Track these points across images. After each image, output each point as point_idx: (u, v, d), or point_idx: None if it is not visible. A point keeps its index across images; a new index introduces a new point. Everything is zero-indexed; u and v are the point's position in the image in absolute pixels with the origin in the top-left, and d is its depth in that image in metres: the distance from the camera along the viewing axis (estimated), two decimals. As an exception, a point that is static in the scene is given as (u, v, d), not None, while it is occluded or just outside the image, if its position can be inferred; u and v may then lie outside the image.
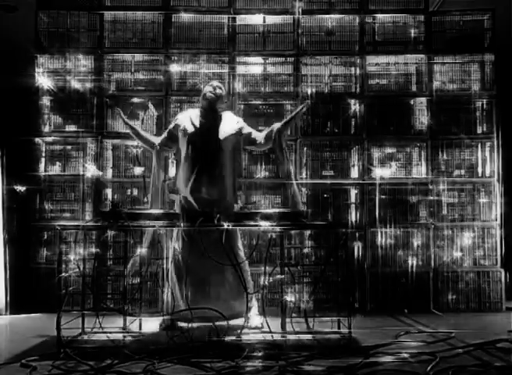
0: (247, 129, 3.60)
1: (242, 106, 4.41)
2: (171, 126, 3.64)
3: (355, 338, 3.08)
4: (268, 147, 3.64)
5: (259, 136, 3.59)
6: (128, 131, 3.75)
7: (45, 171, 4.37)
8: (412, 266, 4.28)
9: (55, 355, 2.82)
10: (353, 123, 4.46)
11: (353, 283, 4.17)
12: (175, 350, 2.88)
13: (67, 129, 4.42)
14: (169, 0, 4.46)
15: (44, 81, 4.36)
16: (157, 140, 3.64)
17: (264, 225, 3.02)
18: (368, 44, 4.50)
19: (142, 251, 3.44)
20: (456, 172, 4.45)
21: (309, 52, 4.47)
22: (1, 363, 2.70)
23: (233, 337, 3.03)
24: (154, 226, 3.13)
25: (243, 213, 3.14)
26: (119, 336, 3.02)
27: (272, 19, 4.47)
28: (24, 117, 4.46)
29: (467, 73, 4.52)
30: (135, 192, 4.34)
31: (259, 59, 4.48)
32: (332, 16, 4.48)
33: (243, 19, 4.46)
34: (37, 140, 4.37)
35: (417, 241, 4.32)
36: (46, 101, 4.41)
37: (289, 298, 3.29)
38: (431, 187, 4.37)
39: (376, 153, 4.44)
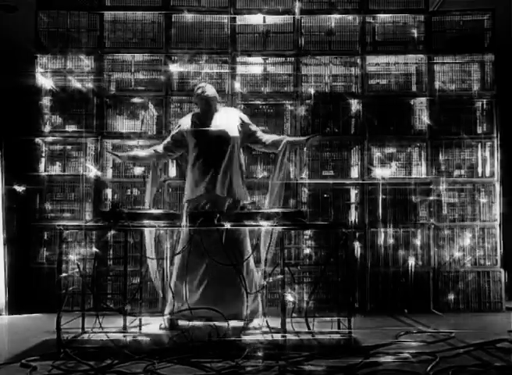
0: (252, 127, 3.59)
1: (242, 106, 4.41)
2: (174, 131, 3.62)
3: (355, 338, 3.07)
4: (269, 152, 3.67)
5: (265, 138, 3.58)
6: (129, 162, 3.78)
7: (45, 171, 4.37)
8: (412, 266, 4.28)
9: (55, 355, 2.82)
10: (353, 123, 4.46)
11: (353, 283, 4.17)
12: (175, 350, 2.88)
13: (67, 129, 4.42)
14: (169, 0, 4.46)
15: (44, 81, 4.36)
16: (159, 148, 3.62)
17: (264, 225, 3.02)
18: (369, 44, 4.51)
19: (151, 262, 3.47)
20: (457, 172, 4.45)
21: (309, 52, 4.47)
22: (1, 363, 2.70)
23: (233, 337, 3.03)
24: (154, 226, 3.13)
25: (243, 213, 3.14)
26: (119, 336, 3.02)
27: (273, 19, 4.47)
28: (24, 117, 4.46)
29: (467, 73, 4.52)
30: (135, 192, 4.34)
31: (259, 59, 4.48)
32: (333, 15, 4.48)
33: (244, 19, 4.46)
34: (37, 140, 4.37)
35: (417, 241, 4.32)
36: (46, 101, 4.41)
37: (289, 298, 3.29)
38: (431, 187, 4.37)
39: (376, 153, 4.44)
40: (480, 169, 4.44)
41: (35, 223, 4.30)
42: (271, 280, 3.35)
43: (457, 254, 4.33)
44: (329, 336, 3.05)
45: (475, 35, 4.52)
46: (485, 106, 4.49)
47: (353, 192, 4.38)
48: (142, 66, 4.50)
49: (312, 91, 4.43)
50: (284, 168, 3.53)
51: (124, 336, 3.02)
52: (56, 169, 4.41)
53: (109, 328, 3.15)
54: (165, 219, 3.09)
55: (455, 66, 4.53)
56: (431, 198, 4.36)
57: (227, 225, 3.01)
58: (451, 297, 4.28)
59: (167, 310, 3.41)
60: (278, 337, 3.00)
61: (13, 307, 4.16)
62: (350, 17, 4.50)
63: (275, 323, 3.08)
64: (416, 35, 4.53)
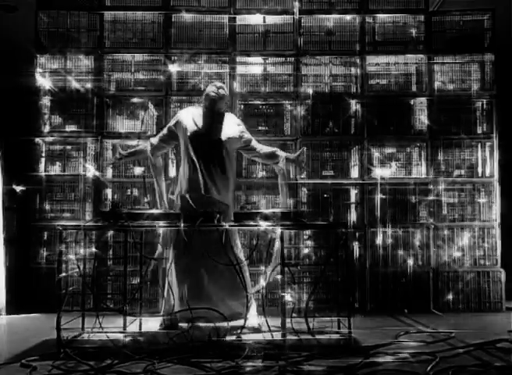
0: (247, 135, 3.60)
1: (242, 106, 4.41)
2: (171, 123, 3.59)
3: (355, 338, 3.08)
4: (262, 162, 3.73)
5: (259, 148, 3.59)
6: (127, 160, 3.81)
7: (45, 171, 4.37)
8: (412, 266, 4.28)
9: (55, 355, 2.82)
10: (353, 123, 4.46)
11: (353, 283, 4.18)
12: (175, 350, 2.88)
13: (67, 129, 4.42)
14: (169, 0, 4.46)
15: (44, 81, 4.36)
16: (154, 139, 3.61)
17: (264, 225, 3.02)
18: (368, 44, 4.51)
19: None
20: (456, 172, 4.45)
21: (309, 52, 4.47)
22: (1, 363, 2.70)
23: (233, 337, 3.03)
24: (154, 226, 3.13)
25: (243, 213, 3.14)
26: (119, 336, 3.02)
27: (272, 19, 4.47)
28: (24, 117, 4.46)
29: (467, 73, 4.52)
30: (135, 192, 4.34)
31: (259, 59, 4.49)
32: (332, 16, 4.48)
33: (243, 19, 4.46)
34: (37, 140, 4.37)
35: (417, 241, 4.32)
36: (46, 101, 4.41)
37: (289, 298, 3.29)
38: (431, 187, 4.37)
39: (376, 153, 4.44)
40: (480, 169, 4.44)
41: (35, 223, 4.30)
42: (271, 280, 3.34)
43: (457, 254, 4.33)
44: (329, 336, 3.05)
45: (475, 35, 4.52)
46: (484, 106, 4.49)
47: (353, 192, 4.38)
48: (142, 66, 4.50)
49: (312, 91, 4.43)
50: (287, 188, 3.57)
51: (124, 336, 3.02)
52: (56, 169, 4.41)
53: (109, 328, 3.15)
54: (165, 219, 3.09)
55: (455, 65, 4.53)
56: (430, 198, 4.36)
57: (227, 225, 3.01)
58: (451, 297, 4.28)
59: (167, 310, 3.41)
60: (278, 337, 3.00)
61: (13, 307, 4.16)
62: (349, 17, 4.50)
63: (275, 323, 3.08)
64: (416, 35, 4.53)
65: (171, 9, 4.46)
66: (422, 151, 4.44)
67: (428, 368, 2.56)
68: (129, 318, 3.18)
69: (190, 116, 3.53)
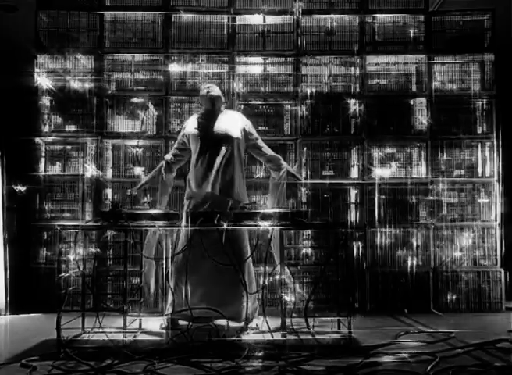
0: (254, 134, 3.64)
1: (242, 106, 4.41)
2: (180, 135, 3.66)
3: (355, 338, 3.08)
4: (264, 163, 3.75)
5: (264, 148, 3.64)
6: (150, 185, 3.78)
7: (45, 171, 4.37)
8: (412, 266, 4.28)
9: (55, 355, 2.82)
10: (353, 123, 4.46)
11: (353, 283, 4.17)
12: (175, 350, 2.88)
13: (67, 129, 4.42)
14: (169, 0, 4.46)
15: (43, 81, 4.36)
16: (168, 156, 3.67)
17: (264, 225, 3.02)
18: (368, 44, 4.50)
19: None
20: (456, 172, 4.45)
21: (309, 52, 4.47)
22: (1, 363, 2.70)
23: (233, 337, 3.03)
24: (154, 226, 3.13)
25: (243, 213, 3.14)
26: (119, 336, 3.02)
27: (272, 19, 4.47)
28: (24, 117, 4.46)
29: (467, 73, 4.52)
30: (135, 192, 4.34)
31: (259, 59, 4.48)
32: (332, 16, 4.48)
33: (243, 19, 4.46)
34: (37, 140, 4.37)
35: (417, 241, 4.32)
36: (46, 101, 4.41)
37: (289, 298, 3.29)
38: (431, 187, 4.37)
39: (376, 153, 4.44)
40: (480, 169, 4.44)
41: (35, 223, 4.30)
42: (271, 280, 3.34)
43: (457, 254, 4.33)
44: (329, 336, 3.05)
45: (475, 35, 4.52)
46: (484, 106, 4.48)
47: (353, 192, 4.38)
48: (142, 66, 4.50)
49: (312, 91, 4.43)
50: (284, 193, 3.60)
51: (124, 336, 3.02)
52: (56, 169, 4.41)
53: (109, 328, 3.15)
54: (165, 219, 3.10)
55: (455, 65, 4.52)
56: (430, 198, 4.36)
57: (226, 225, 3.02)
58: (451, 297, 4.28)
59: (167, 310, 3.41)
60: (278, 337, 3.00)
61: (13, 307, 4.16)
62: (349, 17, 4.49)
63: (275, 323, 3.08)
64: (416, 35, 4.52)
65: (171, 9, 4.46)
66: (422, 151, 4.44)
67: (428, 368, 2.56)
68: (129, 318, 3.18)
69: (194, 121, 3.58)
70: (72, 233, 3.90)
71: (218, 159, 3.43)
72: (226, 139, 3.48)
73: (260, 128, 4.38)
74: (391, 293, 4.26)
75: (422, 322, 3.76)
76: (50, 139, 4.39)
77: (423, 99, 4.47)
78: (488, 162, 4.44)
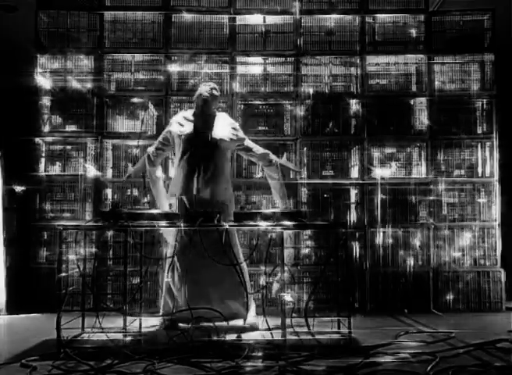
0: (240, 134, 3.64)
1: (242, 106, 4.41)
2: (165, 130, 3.67)
3: (355, 338, 3.08)
4: (256, 161, 3.77)
5: (256, 149, 3.64)
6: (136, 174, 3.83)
7: (45, 171, 4.37)
8: (412, 266, 4.28)
9: (55, 355, 2.82)
10: (353, 123, 4.46)
11: (353, 283, 4.17)
12: (175, 350, 2.88)
13: (67, 129, 4.42)
14: (169, 0, 4.46)
15: (44, 81, 4.36)
16: (150, 149, 3.67)
17: (264, 225, 3.02)
18: (368, 44, 4.51)
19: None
20: (456, 172, 4.45)
21: (309, 52, 4.47)
22: (1, 363, 2.70)
23: (233, 337, 3.03)
24: (154, 226, 3.13)
25: (243, 213, 3.14)
26: (119, 336, 3.01)
27: (272, 19, 4.47)
28: (24, 117, 4.46)
29: (467, 73, 4.52)
30: (135, 192, 4.34)
31: (259, 59, 4.48)
32: (332, 16, 4.48)
33: (243, 19, 4.46)
34: (37, 140, 4.37)
35: (417, 241, 4.32)
36: (46, 101, 4.41)
37: (289, 298, 3.29)
38: (431, 187, 4.37)
39: (376, 153, 4.44)
40: (480, 169, 4.44)
41: (35, 223, 4.30)
42: (271, 280, 3.34)
43: (457, 254, 4.33)
44: (329, 336, 3.05)
45: (475, 35, 4.52)
46: (484, 106, 4.49)
47: (353, 192, 4.38)
48: (142, 66, 4.50)
49: (312, 91, 4.43)
50: (283, 188, 3.62)
51: (124, 336, 3.01)
52: (56, 169, 4.41)
53: (109, 328, 3.15)
54: (165, 219, 3.09)
55: (455, 66, 4.53)
56: (430, 197, 4.36)
57: (227, 225, 3.02)
58: (451, 297, 4.28)
59: (167, 310, 3.41)
60: (278, 337, 3.00)
61: (13, 307, 4.16)
62: (349, 17, 4.50)
63: (275, 323, 3.08)
64: (416, 35, 4.52)
65: (171, 9, 4.46)
66: (422, 151, 4.44)
67: (428, 368, 2.56)
68: (129, 318, 3.18)
69: (182, 120, 3.58)
70: (73, 233, 3.90)
71: (204, 162, 3.43)
72: (212, 142, 3.47)
73: (260, 128, 4.38)
74: (391, 293, 4.26)
75: (422, 322, 3.76)
76: (50, 139, 4.39)
77: (423, 99, 4.47)
78: (488, 162, 4.44)
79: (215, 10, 4.45)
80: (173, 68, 4.42)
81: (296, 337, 3.01)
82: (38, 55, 4.42)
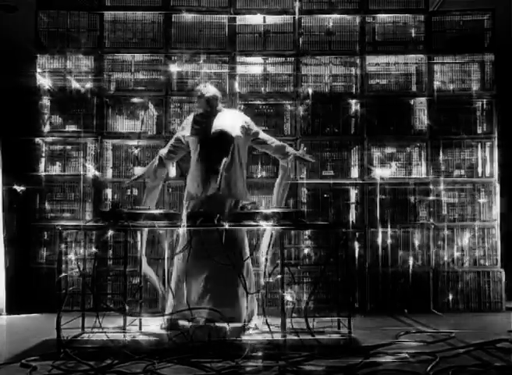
0: (254, 127, 3.61)
1: (242, 106, 4.41)
2: (179, 132, 3.64)
3: (355, 338, 3.08)
4: (272, 155, 3.71)
5: (271, 141, 3.61)
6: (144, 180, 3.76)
7: (45, 171, 4.37)
8: (412, 266, 4.28)
9: (55, 355, 2.82)
10: (353, 123, 4.46)
11: (353, 283, 4.17)
12: (175, 350, 2.88)
13: (67, 129, 4.42)
14: (169, 0, 4.46)
15: (44, 81, 4.36)
16: (162, 151, 3.64)
17: (264, 225, 3.02)
18: (368, 44, 4.51)
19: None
20: (456, 172, 4.45)
21: (309, 52, 4.47)
22: (1, 363, 2.70)
23: (233, 337, 3.03)
24: (154, 226, 3.13)
25: (243, 213, 3.14)
26: (119, 336, 3.01)
27: (272, 19, 4.47)
28: (24, 117, 4.46)
29: (467, 73, 4.52)
30: (135, 192, 4.34)
31: (259, 59, 4.48)
32: (332, 16, 4.48)
33: (243, 19, 4.46)
34: (37, 140, 4.37)
35: (417, 241, 4.32)
36: (46, 101, 4.41)
37: (289, 298, 3.29)
38: (431, 187, 4.37)
39: (376, 153, 4.44)
40: (480, 169, 4.44)
41: (35, 223, 4.30)
42: (271, 280, 3.33)
43: (457, 254, 4.33)
44: (329, 336, 3.05)
45: (475, 35, 4.52)
46: (484, 106, 4.49)
47: (353, 192, 4.38)
48: (142, 66, 4.50)
49: (312, 91, 4.43)
50: (287, 186, 3.61)
51: (124, 336, 3.01)
52: (56, 169, 4.41)
53: (109, 328, 3.15)
54: (165, 219, 3.09)
55: (455, 66, 4.53)
56: (430, 198, 4.36)
57: (227, 225, 3.02)
58: (451, 297, 4.28)
59: (167, 310, 3.41)
60: (278, 337, 3.00)
61: (13, 307, 4.16)
62: (349, 17, 4.50)
63: (275, 323, 3.08)
64: (416, 35, 4.52)
65: (171, 9, 4.46)
66: (422, 151, 4.44)
67: (428, 368, 2.56)
68: (129, 318, 3.18)
69: (192, 122, 3.56)
70: (73, 233, 3.90)
71: (219, 159, 3.42)
72: (225, 138, 3.47)
73: (262, 128, 4.37)
74: (391, 293, 4.26)
75: (422, 322, 3.76)
76: (50, 139, 4.39)
77: (423, 99, 4.47)
78: (488, 162, 4.44)
79: (215, 10, 4.45)
80: (173, 68, 4.41)
81: (296, 337, 3.01)
82: (38, 55, 4.42)
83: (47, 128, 4.40)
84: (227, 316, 3.20)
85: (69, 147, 4.43)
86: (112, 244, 4.24)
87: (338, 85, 4.55)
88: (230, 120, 3.54)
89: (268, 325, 3.06)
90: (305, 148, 3.64)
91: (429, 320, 3.82)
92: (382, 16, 4.51)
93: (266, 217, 3.03)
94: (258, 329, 3.28)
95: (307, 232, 4.29)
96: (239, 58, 4.46)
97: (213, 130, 3.48)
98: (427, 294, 4.27)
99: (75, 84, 4.38)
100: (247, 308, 3.25)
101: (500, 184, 4.39)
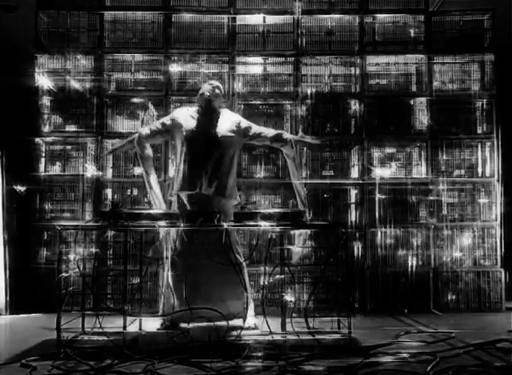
0: (245, 124, 3.61)
1: (242, 106, 4.41)
2: (166, 119, 3.62)
3: (355, 338, 3.08)
4: (274, 146, 3.71)
5: (265, 133, 3.61)
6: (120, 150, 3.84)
7: (45, 171, 4.37)
8: (412, 266, 4.28)
9: (55, 355, 2.82)
10: (353, 123, 4.46)
11: (353, 283, 4.17)
12: (175, 350, 2.88)
13: (67, 129, 4.42)
14: (169, 0, 4.46)
15: (44, 81, 4.36)
16: (143, 130, 3.62)
17: (264, 225, 3.02)
18: (368, 44, 4.51)
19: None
20: (456, 172, 4.45)
21: (309, 52, 4.47)
22: (1, 363, 2.70)
23: (233, 337, 3.03)
24: (154, 226, 3.13)
25: (243, 213, 3.14)
26: (119, 336, 3.01)
27: (272, 19, 4.47)
28: (24, 117, 4.46)
29: (467, 73, 4.52)
30: (135, 192, 4.34)
31: (259, 59, 4.48)
32: (332, 16, 4.48)
33: (243, 19, 4.46)
34: (37, 140, 4.37)
35: (417, 241, 4.32)
36: (46, 101, 4.41)
37: (289, 298, 3.29)
38: (431, 187, 4.37)
39: (376, 153, 4.44)
40: (480, 169, 4.44)
41: (35, 223, 4.30)
42: (271, 280, 3.34)
43: (457, 254, 4.33)
44: (329, 336, 3.05)
45: (475, 35, 4.52)
46: (484, 106, 4.49)
47: (353, 192, 4.38)
48: (142, 65, 4.50)
49: (312, 91, 4.43)
50: (299, 171, 3.67)
51: (124, 336, 3.01)
52: (56, 170, 4.41)
53: (109, 328, 3.15)
54: (165, 219, 3.09)
55: (455, 65, 4.53)
56: (430, 197, 4.36)
57: (225, 225, 3.02)
58: (451, 297, 4.28)
59: (167, 310, 3.41)
60: (278, 337, 3.00)
61: (13, 307, 4.16)
62: (349, 17, 4.50)
63: (275, 322, 3.08)
64: (416, 35, 4.52)
65: (171, 9, 4.46)
66: (422, 151, 4.44)
67: (428, 368, 2.56)
68: (129, 318, 3.18)
69: (186, 116, 3.57)
70: (73, 233, 3.89)
71: (207, 160, 3.43)
72: (216, 140, 3.47)
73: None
74: (391, 293, 4.26)
75: (422, 322, 3.76)
76: (50, 139, 4.39)
77: (423, 99, 4.47)
78: (488, 162, 4.44)
79: (215, 10, 4.45)
80: (173, 68, 4.42)
81: (296, 337, 3.01)
82: (38, 55, 4.41)
83: (47, 128, 4.40)
84: (226, 314, 3.21)
85: (69, 147, 4.43)
86: (112, 244, 4.24)
87: (338, 85, 4.55)
88: (224, 122, 3.55)
89: (268, 325, 3.06)
90: (301, 129, 3.66)
91: (429, 320, 3.82)
92: (381, 16, 4.51)
93: (266, 217, 3.03)
94: (257, 328, 3.29)
95: (308, 232, 4.28)
96: (239, 58, 4.46)
97: (207, 131, 3.48)
98: (427, 294, 4.27)
99: (75, 84, 4.38)
100: (246, 307, 3.25)
101: (500, 184, 4.38)
